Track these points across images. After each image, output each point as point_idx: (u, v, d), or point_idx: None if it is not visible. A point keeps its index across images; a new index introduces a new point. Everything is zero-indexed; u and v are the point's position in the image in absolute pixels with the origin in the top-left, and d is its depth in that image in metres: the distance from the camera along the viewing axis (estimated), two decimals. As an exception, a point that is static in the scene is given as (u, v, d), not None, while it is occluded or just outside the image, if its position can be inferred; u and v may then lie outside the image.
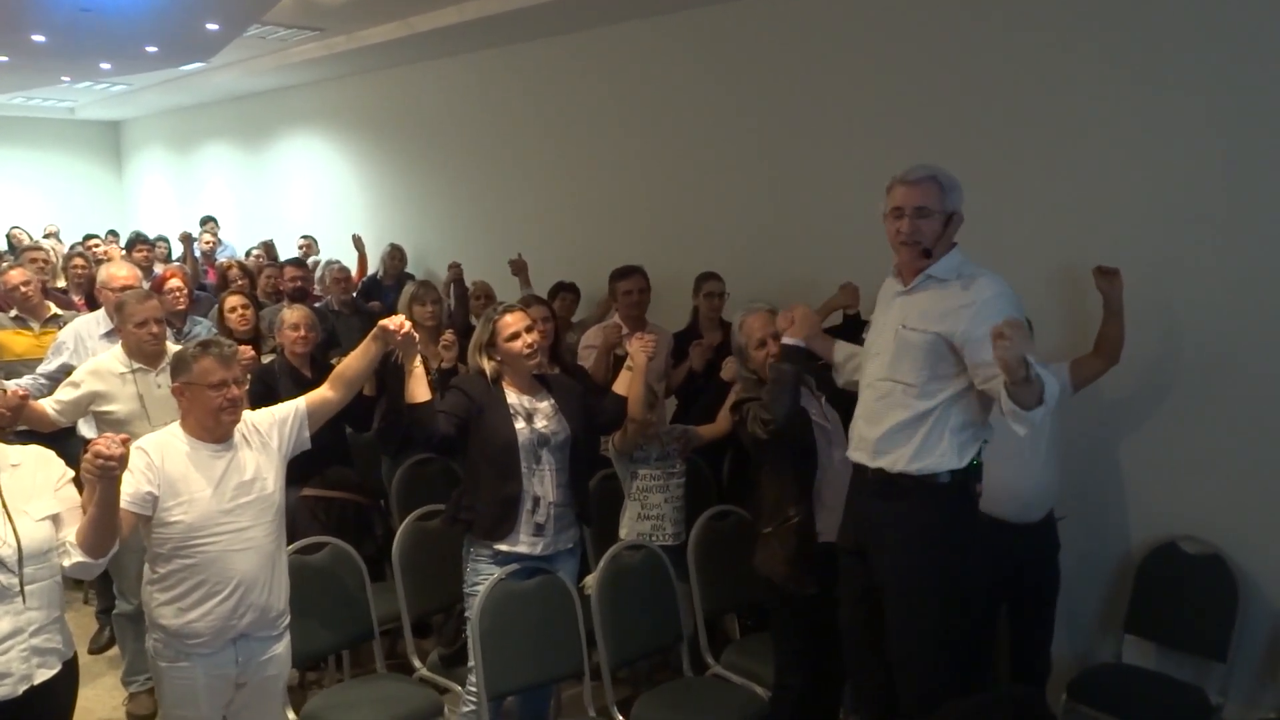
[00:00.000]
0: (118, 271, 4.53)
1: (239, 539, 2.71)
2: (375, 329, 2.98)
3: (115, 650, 4.35)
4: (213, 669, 2.73)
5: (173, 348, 3.68)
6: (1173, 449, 3.76)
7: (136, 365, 3.74)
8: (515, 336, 3.28)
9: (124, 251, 8.05)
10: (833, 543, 3.08)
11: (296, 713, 3.19)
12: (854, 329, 4.00)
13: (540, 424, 3.29)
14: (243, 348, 3.68)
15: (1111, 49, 3.82)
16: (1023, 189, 4.09)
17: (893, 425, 2.74)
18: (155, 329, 3.75)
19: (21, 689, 2.32)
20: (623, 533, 3.80)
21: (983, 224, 4.09)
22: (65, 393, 3.69)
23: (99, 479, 2.27)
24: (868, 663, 2.95)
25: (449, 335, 4.11)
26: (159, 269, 6.63)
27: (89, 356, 4.03)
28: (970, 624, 2.84)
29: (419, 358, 3.15)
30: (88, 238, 9.73)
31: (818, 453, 3.17)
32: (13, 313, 5.00)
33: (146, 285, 4.91)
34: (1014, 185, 4.11)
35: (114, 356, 3.77)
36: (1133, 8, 3.76)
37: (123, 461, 2.27)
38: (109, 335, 4.28)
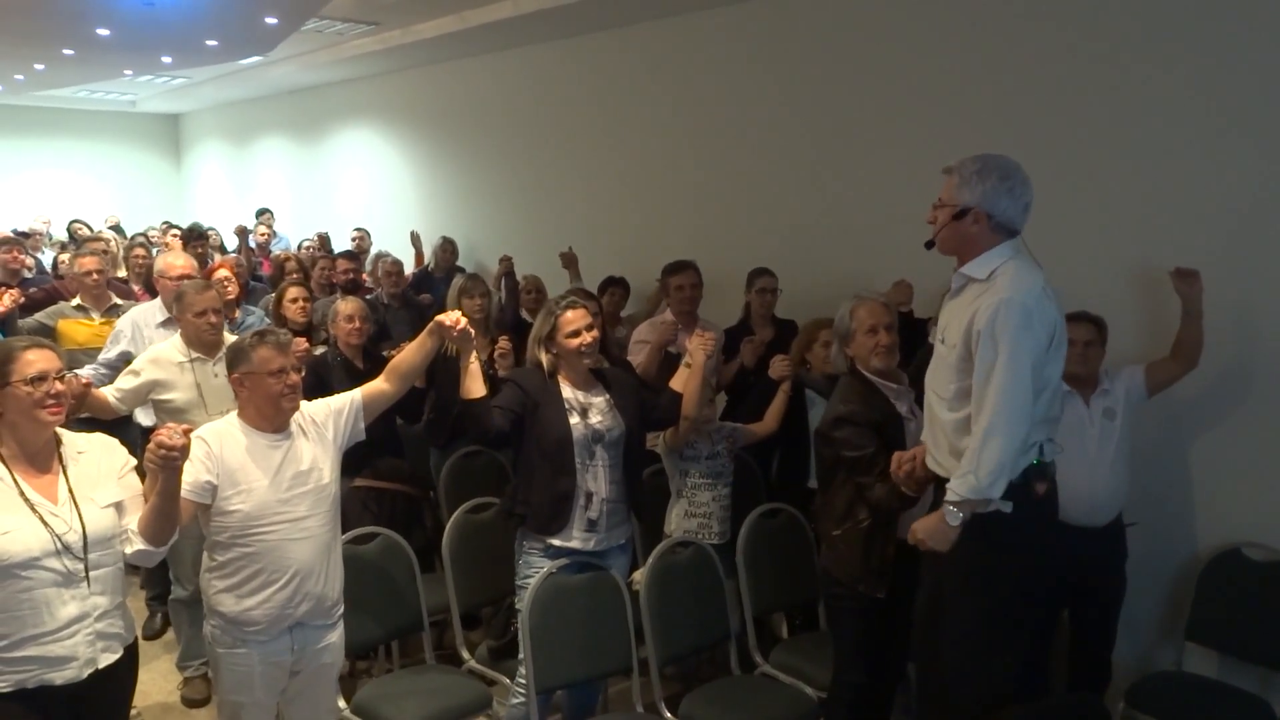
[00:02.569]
0: (175, 261, 4.60)
1: (296, 528, 2.74)
2: (431, 324, 2.99)
3: (169, 636, 4.42)
4: (269, 656, 2.76)
5: (228, 338, 3.72)
6: (1239, 454, 3.67)
7: (195, 355, 3.79)
8: (575, 334, 3.28)
9: (183, 243, 8.19)
10: (905, 540, 3.06)
11: (347, 701, 3.23)
12: (907, 327, 3.94)
13: (595, 419, 3.29)
14: (298, 339, 3.71)
15: (1184, 46, 3.73)
16: (1099, 190, 4.01)
17: (942, 440, 2.69)
18: (214, 319, 3.80)
19: (87, 673, 2.37)
20: (669, 529, 3.79)
21: (1058, 225, 4.05)
22: (126, 381, 3.76)
23: (162, 468, 2.31)
24: (932, 660, 2.92)
25: (504, 343, 4.11)
26: (216, 259, 6.74)
27: (146, 345, 4.10)
28: (1024, 628, 2.78)
29: (474, 354, 3.16)
30: (167, 225, 9.84)
31: None
32: (75, 302, 5.10)
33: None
34: (1090, 186, 4.03)
35: (173, 346, 3.83)
36: (1202, 11, 3.67)
37: (185, 452, 2.30)
38: (166, 324, 4.34)
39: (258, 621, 2.72)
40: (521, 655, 3.18)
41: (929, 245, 2.69)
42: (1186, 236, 3.75)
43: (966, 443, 2.56)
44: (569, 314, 3.29)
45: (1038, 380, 2.51)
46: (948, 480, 2.64)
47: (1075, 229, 3.95)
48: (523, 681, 3.20)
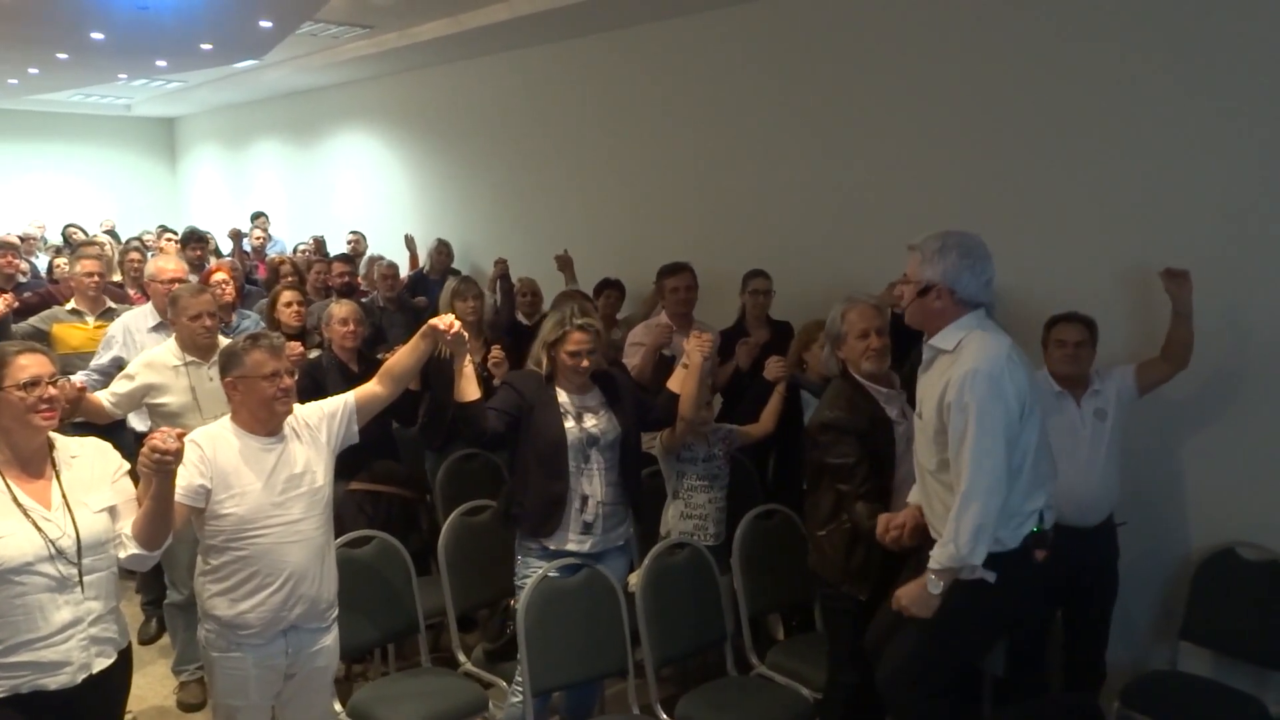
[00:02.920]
0: (166, 265, 4.60)
1: (290, 531, 2.74)
2: (425, 327, 2.99)
3: (164, 640, 4.42)
4: (263, 659, 2.76)
5: (223, 341, 3.73)
6: (1232, 453, 3.68)
7: (189, 358, 3.79)
8: (576, 355, 3.28)
9: (179, 247, 8.18)
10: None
11: (343, 704, 3.23)
12: (902, 329, 3.94)
13: (590, 423, 3.30)
14: (292, 343, 3.71)
15: (1176, 48, 3.74)
16: (1090, 191, 4.01)
17: (939, 509, 2.72)
18: (209, 322, 3.81)
19: (80, 677, 2.37)
20: (665, 530, 3.79)
21: (1049, 226, 4.06)
22: (120, 385, 3.76)
23: (155, 472, 2.31)
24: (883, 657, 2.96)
25: (498, 352, 4.11)
26: (213, 263, 6.73)
27: (138, 350, 4.10)
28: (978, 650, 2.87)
29: (468, 356, 3.17)
30: (162, 229, 9.83)
31: (895, 457, 3.13)
32: (69, 306, 5.10)
33: (195, 280, 4.99)
34: (1080, 187, 4.03)
35: (167, 350, 3.83)
36: (1198, 9, 3.68)
37: (179, 456, 2.31)
38: (157, 329, 4.35)
39: (252, 625, 2.72)
40: (520, 657, 3.18)
41: (898, 319, 2.76)
42: (1177, 237, 3.75)
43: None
44: (577, 334, 3.28)
45: (1013, 446, 2.57)
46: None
47: (1066, 230, 3.96)
48: (520, 683, 3.20)
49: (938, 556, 2.59)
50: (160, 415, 3.74)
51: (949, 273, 2.66)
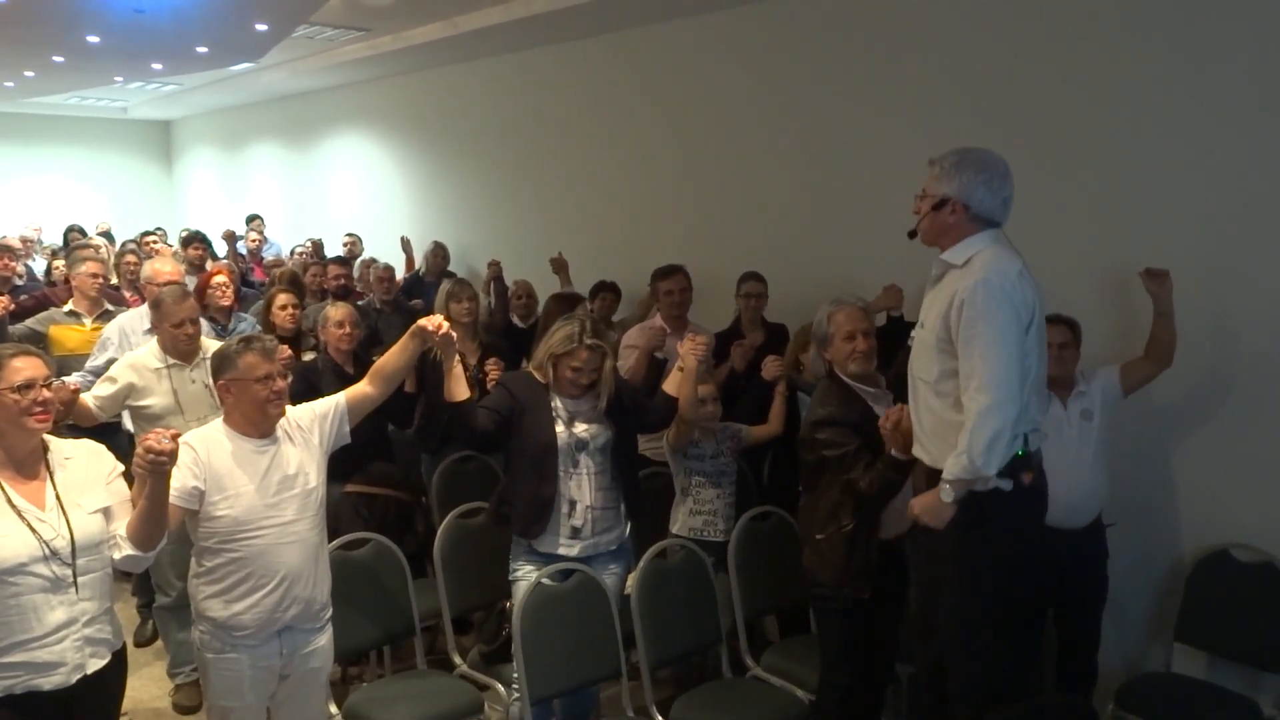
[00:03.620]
0: (162, 267, 4.61)
1: (284, 532, 2.74)
2: (413, 327, 2.99)
3: (160, 642, 4.41)
4: (258, 660, 2.76)
5: (216, 344, 3.72)
6: (1226, 454, 3.68)
7: (172, 361, 3.80)
8: (578, 370, 3.28)
9: (175, 249, 8.19)
10: (889, 541, 3.08)
11: (339, 707, 3.23)
12: (897, 331, 3.96)
13: (580, 427, 3.30)
14: (281, 347, 3.71)
15: (1160, 51, 3.75)
16: (1072, 191, 4.03)
17: (929, 424, 2.73)
18: (190, 329, 3.81)
19: (75, 678, 2.37)
20: (674, 527, 3.83)
21: (1031, 226, 4.04)
22: (103, 388, 3.75)
23: (150, 473, 2.31)
24: (920, 653, 2.96)
25: (495, 372, 4.08)
26: (210, 266, 6.73)
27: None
28: (1015, 616, 2.80)
29: (457, 357, 3.17)
30: (145, 234, 9.85)
31: None
32: (66, 307, 5.10)
33: (195, 282, 5.00)
34: (1063, 187, 4.04)
35: (150, 352, 3.83)
36: (1182, 13, 3.69)
37: (173, 456, 2.31)
38: (152, 331, 4.34)
39: (246, 626, 2.72)
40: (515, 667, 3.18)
41: (912, 234, 2.75)
42: (1159, 239, 3.76)
43: (955, 424, 2.58)
44: (584, 354, 3.26)
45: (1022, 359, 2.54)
46: (929, 464, 2.69)
47: (1048, 233, 3.94)
48: (518, 689, 3.19)
49: (951, 467, 2.55)
50: (142, 417, 3.74)
51: (964, 188, 2.64)
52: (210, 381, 2.98)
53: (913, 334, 2.97)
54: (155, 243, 8.26)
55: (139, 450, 2.29)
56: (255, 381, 2.73)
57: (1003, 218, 2.69)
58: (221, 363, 2.78)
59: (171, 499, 2.50)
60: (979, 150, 2.70)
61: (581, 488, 3.30)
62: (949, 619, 2.78)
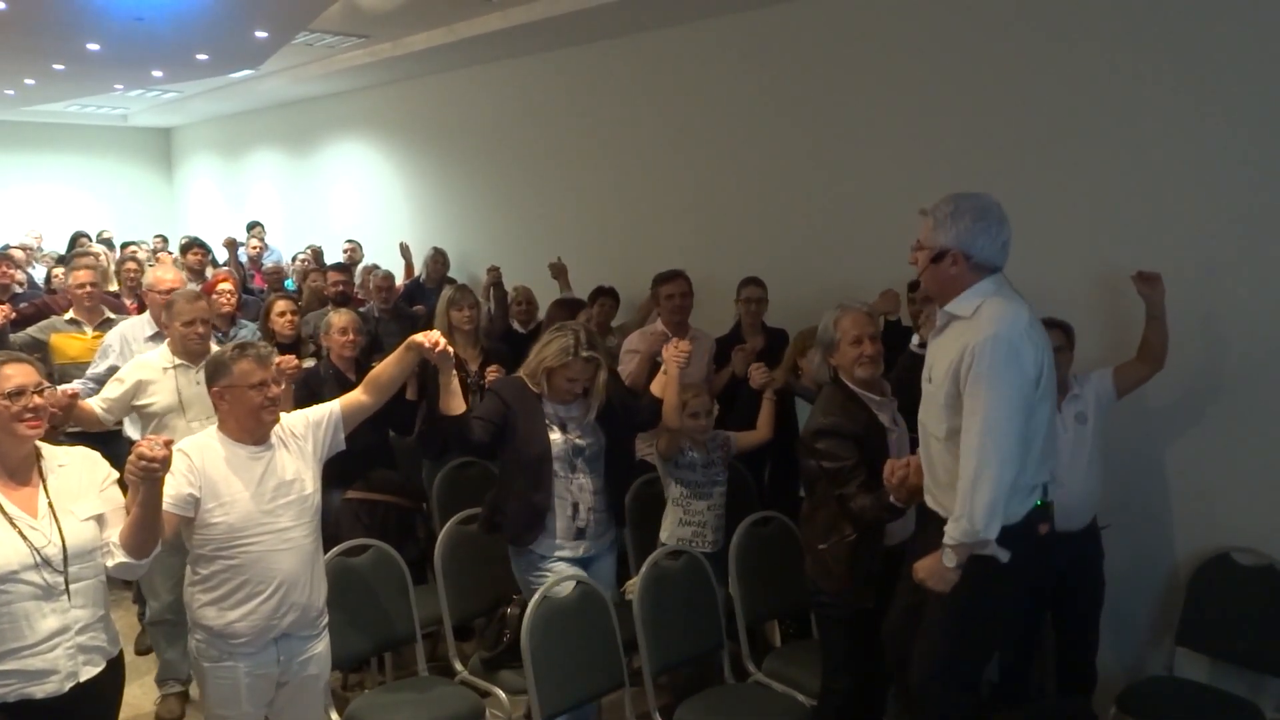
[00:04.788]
0: (164, 275, 4.61)
1: (280, 539, 2.73)
2: (409, 340, 2.98)
3: (163, 649, 4.41)
4: (255, 668, 2.75)
5: (216, 348, 3.73)
6: (1227, 457, 3.67)
7: (179, 361, 3.82)
8: (573, 380, 3.30)
9: (174, 255, 8.19)
10: (892, 547, 3.07)
11: (340, 713, 3.22)
12: (894, 335, 3.95)
13: (575, 434, 3.32)
14: (288, 356, 3.72)
15: (1155, 54, 3.75)
16: (1064, 195, 4.02)
17: (942, 477, 2.68)
18: (201, 329, 3.85)
19: (68, 686, 2.36)
20: (663, 537, 3.80)
21: (1025, 231, 4.04)
22: (111, 390, 3.77)
23: (142, 480, 2.31)
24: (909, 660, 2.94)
25: (493, 376, 4.09)
26: (210, 274, 6.73)
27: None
28: (1000, 630, 2.81)
29: (454, 371, 3.17)
30: (125, 245, 9.89)
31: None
32: (67, 316, 5.09)
33: (195, 288, 4.99)
34: (1056, 191, 4.04)
35: (158, 353, 3.88)
36: (1178, 14, 3.69)
37: (166, 463, 2.30)
38: (154, 338, 4.36)
39: (243, 634, 2.71)
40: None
41: (913, 286, 2.70)
42: (1151, 240, 3.76)
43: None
44: (580, 366, 3.28)
45: (1028, 416, 2.50)
46: (938, 511, 2.66)
47: (1042, 234, 3.94)
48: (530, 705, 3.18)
49: (952, 532, 2.52)
50: (145, 415, 3.77)
51: (963, 237, 2.58)
52: None
53: (913, 350, 2.95)
54: (135, 253, 8.26)
55: (131, 457, 2.28)
56: (250, 388, 2.72)
57: (1003, 262, 2.65)
58: (216, 369, 2.78)
59: (166, 506, 2.49)
60: (972, 196, 2.65)
61: (583, 490, 3.32)
62: (930, 626, 2.75)
